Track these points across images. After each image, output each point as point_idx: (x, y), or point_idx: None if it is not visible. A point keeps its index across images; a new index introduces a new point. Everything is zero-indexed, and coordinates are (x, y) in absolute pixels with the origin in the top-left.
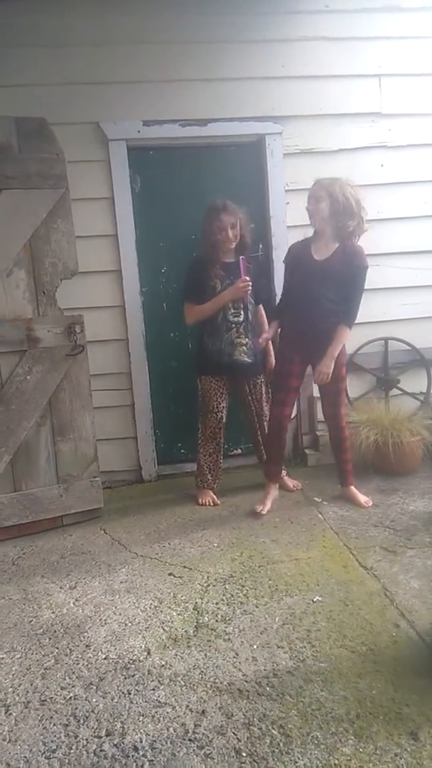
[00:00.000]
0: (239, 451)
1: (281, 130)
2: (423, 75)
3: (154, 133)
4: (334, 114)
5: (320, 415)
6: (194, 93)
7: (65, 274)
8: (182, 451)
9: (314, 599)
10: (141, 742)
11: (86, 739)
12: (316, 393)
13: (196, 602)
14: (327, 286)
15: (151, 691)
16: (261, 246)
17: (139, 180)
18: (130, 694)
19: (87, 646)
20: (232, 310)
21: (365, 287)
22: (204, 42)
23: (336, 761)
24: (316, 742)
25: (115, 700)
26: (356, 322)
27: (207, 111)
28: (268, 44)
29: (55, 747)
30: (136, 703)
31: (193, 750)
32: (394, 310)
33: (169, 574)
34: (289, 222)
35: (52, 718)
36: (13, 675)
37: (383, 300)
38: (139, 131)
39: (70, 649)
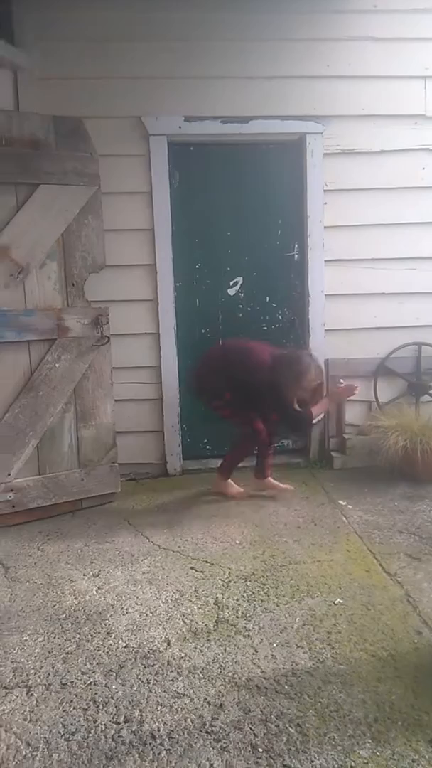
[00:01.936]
0: None
1: (322, 129)
2: None
3: (195, 129)
4: (376, 115)
5: (348, 419)
6: (236, 90)
7: (93, 267)
8: (207, 447)
9: (336, 602)
10: (158, 731)
11: (105, 725)
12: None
13: (217, 597)
14: None
15: (170, 682)
16: (297, 246)
17: (178, 176)
18: (149, 683)
19: (108, 633)
20: None
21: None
22: (248, 40)
23: (352, 763)
24: (333, 743)
25: (134, 688)
26: (388, 326)
27: (249, 108)
28: (314, 43)
29: (74, 730)
30: (155, 692)
31: (210, 742)
32: (428, 315)
33: (191, 568)
34: (327, 222)
35: (72, 701)
36: (35, 657)
37: (416, 304)
38: (180, 127)
39: (91, 636)
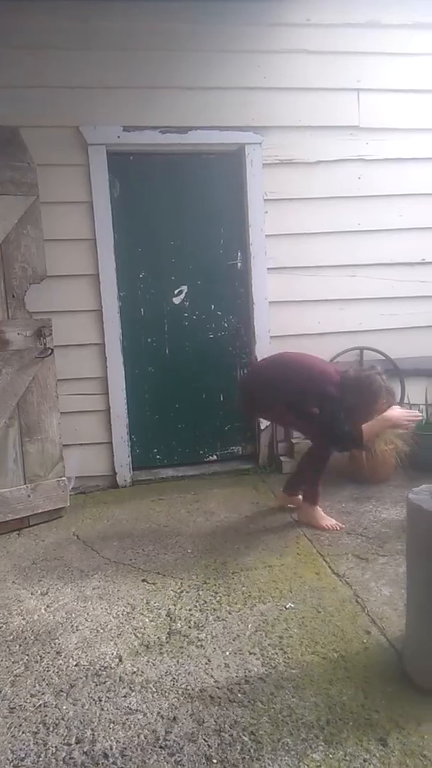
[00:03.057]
0: (214, 457)
1: (261, 140)
2: (400, 91)
3: (134, 139)
4: (313, 126)
5: None
6: (175, 100)
7: (34, 278)
8: (158, 456)
9: (287, 606)
10: (111, 749)
11: (56, 747)
12: None
13: (169, 608)
14: None
15: (123, 698)
16: (240, 254)
17: (118, 185)
18: (100, 701)
19: (58, 652)
20: None
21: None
22: (186, 50)
23: (306, 767)
24: (287, 748)
25: (86, 707)
26: (333, 331)
27: (187, 119)
28: (251, 55)
29: (23, 755)
30: (107, 710)
31: (164, 757)
32: (371, 320)
33: (143, 581)
34: (268, 231)
35: (21, 726)
36: None
37: (360, 310)
38: (119, 137)
39: (40, 656)
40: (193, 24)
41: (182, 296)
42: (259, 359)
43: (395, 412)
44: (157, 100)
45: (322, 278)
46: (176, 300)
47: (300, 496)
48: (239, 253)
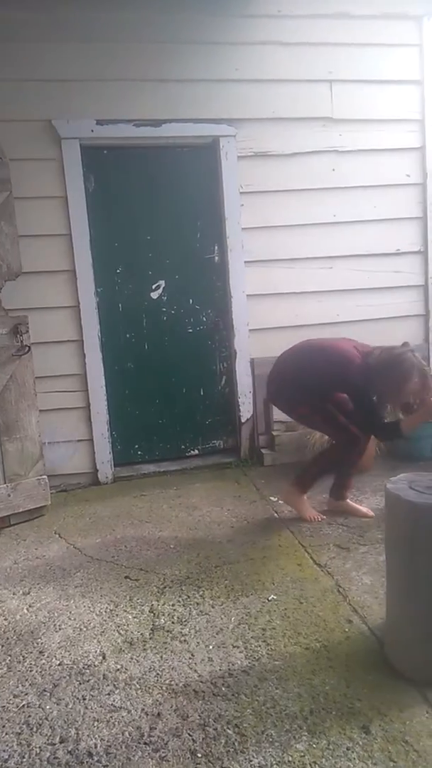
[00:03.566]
0: (196, 452)
1: (235, 132)
2: (372, 82)
3: (108, 133)
4: (287, 118)
5: (276, 416)
6: (149, 93)
7: (9, 275)
8: (139, 452)
9: (269, 598)
10: (96, 747)
11: (39, 747)
12: None
13: (152, 604)
14: None
15: (106, 696)
16: (216, 247)
17: (93, 179)
18: (84, 699)
19: (41, 652)
20: None
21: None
22: (159, 42)
23: (290, 758)
24: (271, 740)
25: (70, 707)
26: (311, 323)
27: (161, 111)
28: (223, 46)
29: (7, 756)
30: (91, 708)
31: (148, 753)
32: (348, 311)
33: (125, 577)
34: (244, 224)
35: (4, 727)
36: None
37: (337, 301)
38: (92, 130)
39: (23, 656)
40: (165, 15)
41: (160, 291)
42: (283, 351)
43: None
44: (130, 93)
45: (299, 270)
46: (154, 295)
47: (348, 500)
48: (216, 247)
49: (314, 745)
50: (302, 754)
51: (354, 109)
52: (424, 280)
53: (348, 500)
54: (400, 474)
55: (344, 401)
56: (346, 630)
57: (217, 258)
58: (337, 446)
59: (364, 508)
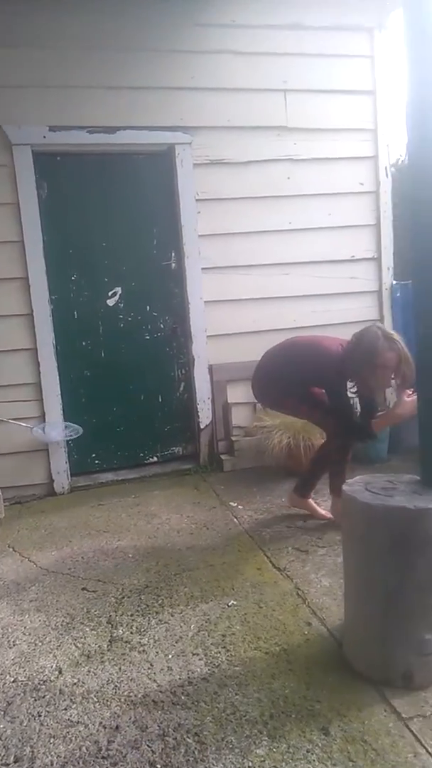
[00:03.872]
0: (155, 459)
1: (191, 140)
2: (325, 91)
3: (61, 139)
4: (242, 126)
5: (235, 421)
6: (102, 100)
7: None
8: (96, 461)
9: (229, 603)
10: (52, 765)
11: None
12: (230, 400)
13: (110, 615)
14: None
15: (63, 711)
16: (174, 254)
17: (46, 186)
18: (40, 716)
19: None
20: None
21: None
22: (112, 49)
23: (250, 763)
24: (231, 746)
25: (24, 724)
26: (269, 329)
27: (116, 119)
28: (178, 54)
29: None
30: (47, 725)
31: (107, 767)
32: (304, 317)
33: (83, 589)
34: (201, 231)
35: None
36: None
37: (294, 307)
38: (45, 137)
39: None
40: (119, 22)
41: (117, 298)
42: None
43: (408, 406)
44: (84, 100)
45: (256, 277)
46: (110, 302)
47: (311, 499)
48: (173, 254)
49: (274, 750)
50: (262, 759)
51: (308, 119)
52: (378, 286)
53: (310, 500)
54: (357, 476)
55: (325, 398)
56: (306, 633)
57: (174, 265)
58: (329, 440)
59: (323, 510)
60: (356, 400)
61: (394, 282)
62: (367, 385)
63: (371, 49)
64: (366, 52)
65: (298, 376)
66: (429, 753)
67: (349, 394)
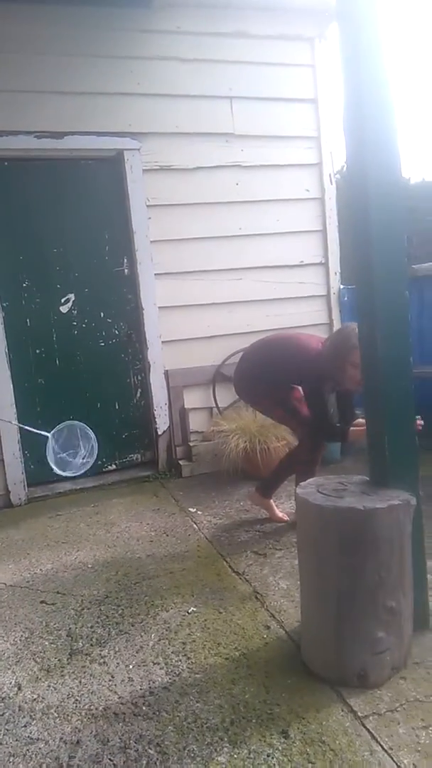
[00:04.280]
0: (113, 467)
1: (139, 146)
2: (271, 99)
3: (7, 144)
4: (190, 133)
5: (193, 426)
6: (49, 105)
7: None
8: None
9: (189, 610)
10: None
11: None
12: (187, 405)
13: (70, 628)
14: None
15: (23, 728)
16: (126, 260)
17: None
18: None
19: None
20: None
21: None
22: (58, 54)
23: None
24: (192, 755)
25: None
26: (221, 334)
27: (63, 124)
28: (124, 61)
29: None
30: (6, 743)
31: None
32: (257, 321)
33: (41, 602)
34: (153, 237)
35: None
36: None
37: (247, 312)
38: None
39: None
40: (65, 28)
41: (69, 304)
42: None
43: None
44: (30, 105)
45: (208, 282)
46: (63, 309)
47: (272, 500)
48: (125, 260)
49: (235, 756)
50: (223, 766)
51: (255, 126)
52: (327, 290)
53: (271, 500)
54: (310, 479)
55: (301, 396)
56: (265, 636)
57: (126, 270)
58: (300, 445)
59: (280, 513)
60: (335, 402)
61: (342, 286)
62: (341, 383)
63: (312, 58)
64: (308, 61)
65: (275, 376)
66: (384, 750)
67: (326, 395)
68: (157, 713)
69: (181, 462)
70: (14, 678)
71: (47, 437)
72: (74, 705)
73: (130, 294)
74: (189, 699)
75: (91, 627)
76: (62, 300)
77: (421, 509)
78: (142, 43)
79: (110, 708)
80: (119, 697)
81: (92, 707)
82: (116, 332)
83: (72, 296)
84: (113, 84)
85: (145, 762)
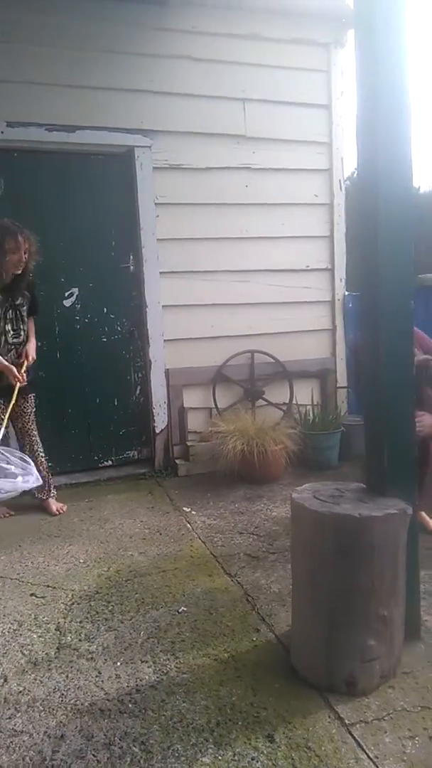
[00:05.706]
0: (110, 463)
1: (150, 143)
2: (283, 103)
3: (19, 135)
4: (202, 133)
5: (191, 426)
6: (62, 98)
7: None
8: (50, 464)
9: (179, 610)
10: None
11: None
12: (186, 404)
13: (59, 622)
14: None
15: (7, 720)
16: (132, 257)
17: (2, 182)
18: None
19: None
20: (12, 332)
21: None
22: (74, 48)
23: None
24: (177, 755)
25: None
26: (224, 335)
27: (75, 118)
28: (137, 57)
29: None
30: None
31: None
32: (260, 324)
33: (31, 595)
34: (160, 235)
35: None
36: None
37: (250, 314)
38: (2, 132)
39: None
40: (81, 22)
41: (73, 299)
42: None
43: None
44: (44, 97)
45: (213, 283)
46: (67, 303)
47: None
48: (131, 256)
49: (220, 758)
50: (208, 767)
51: (266, 129)
52: (331, 296)
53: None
54: (306, 484)
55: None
56: (254, 639)
57: (132, 267)
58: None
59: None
60: None
61: (347, 293)
62: None
63: (327, 64)
64: (322, 66)
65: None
66: (370, 758)
67: None
68: (143, 711)
69: (177, 461)
70: (1, 670)
71: None
72: (60, 699)
73: (135, 291)
74: (176, 698)
75: (80, 622)
76: (66, 294)
77: (416, 519)
78: (157, 41)
79: (96, 704)
80: (105, 694)
81: (78, 702)
82: (119, 328)
83: (76, 290)
84: (126, 80)
85: (129, 759)
